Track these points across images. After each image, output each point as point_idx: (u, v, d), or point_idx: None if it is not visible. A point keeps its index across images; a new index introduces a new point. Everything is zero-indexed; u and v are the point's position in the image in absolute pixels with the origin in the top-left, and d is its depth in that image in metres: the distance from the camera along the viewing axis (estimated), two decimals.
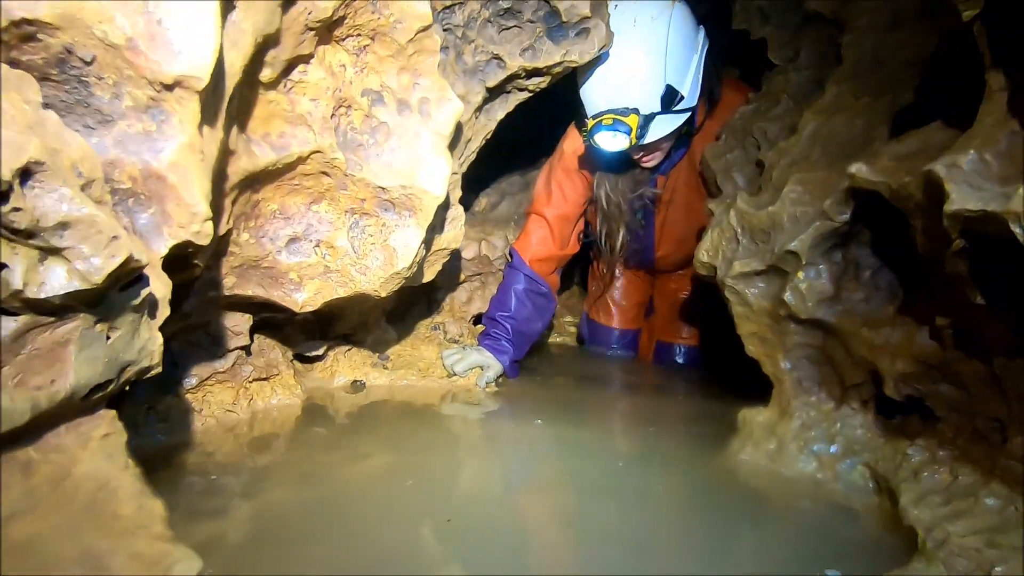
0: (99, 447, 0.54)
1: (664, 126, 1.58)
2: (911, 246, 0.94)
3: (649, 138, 1.57)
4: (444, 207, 1.45)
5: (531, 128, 2.09)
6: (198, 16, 0.64)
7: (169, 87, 0.65)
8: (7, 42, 0.55)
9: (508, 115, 1.62)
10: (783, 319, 1.20)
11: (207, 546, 0.86)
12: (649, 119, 1.54)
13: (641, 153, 1.67)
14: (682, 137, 1.71)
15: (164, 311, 0.65)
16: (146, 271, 0.65)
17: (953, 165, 0.69)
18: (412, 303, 2.17)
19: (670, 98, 1.54)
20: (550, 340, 2.49)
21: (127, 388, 0.61)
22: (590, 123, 1.55)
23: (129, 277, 0.54)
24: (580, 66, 1.52)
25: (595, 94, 1.56)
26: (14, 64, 0.57)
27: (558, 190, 1.78)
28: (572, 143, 1.75)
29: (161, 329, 1.20)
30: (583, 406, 1.76)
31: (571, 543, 0.89)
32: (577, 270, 2.66)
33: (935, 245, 0.79)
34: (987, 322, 0.82)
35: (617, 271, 2.15)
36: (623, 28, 1.50)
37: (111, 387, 0.57)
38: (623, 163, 1.74)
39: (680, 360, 2.13)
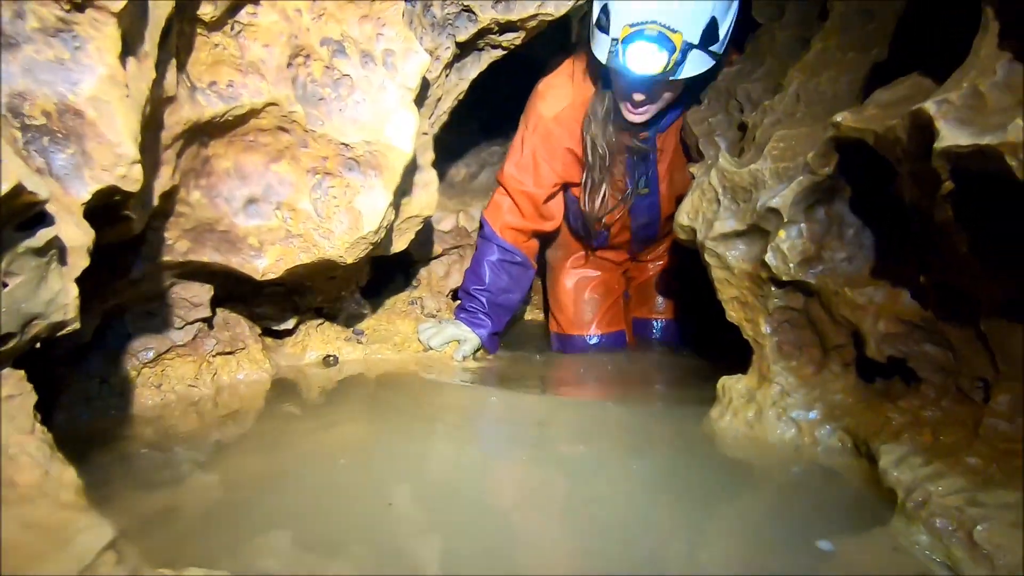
0: (1, 408, 0.48)
1: (695, 65, 1.39)
2: (897, 200, 0.90)
3: (683, 74, 1.38)
4: (413, 168, 1.38)
5: (513, 94, 2.00)
6: None
7: (79, 6, 0.58)
8: None
9: (490, 81, 1.52)
10: (764, 282, 1.15)
11: (158, 518, 0.82)
12: (687, 49, 1.34)
13: (644, 97, 1.48)
14: (681, 95, 1.57)
15: (82, 261, 0.58)
16: (60, 215, 0.58)
17: (944, 101, 0.65)
18: (388, 277, 2.10)
19: (710, 35, 1.36)
20: (528, 317, 2.44)
21: (37, 346, 0.54)
22: (623, 31, 1.31)
23: (25, 214, 0.47)
24: None
25: (629, 3, 1.32)
26: None
27: (530, 164, 1.63)
28: (551, 105, 1.59)
29: (111, 297, 1.14)
30: (560, 379, 1.72)
31: (538, 519, 0.85)
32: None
33: (923, 193, 0.75)
34: (975, 276, 0.78)
35: (585, 270, 1.99)
36: None
37: (13, 342, 0.50)
38: (615, 115, 1.57)
39: (656, 335, 2.08)
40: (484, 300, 1.78)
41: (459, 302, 1.83)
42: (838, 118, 0.89)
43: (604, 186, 1.69)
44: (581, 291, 1.96)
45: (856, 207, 1.03)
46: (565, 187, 1.76)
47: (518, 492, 0.94)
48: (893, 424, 0.95)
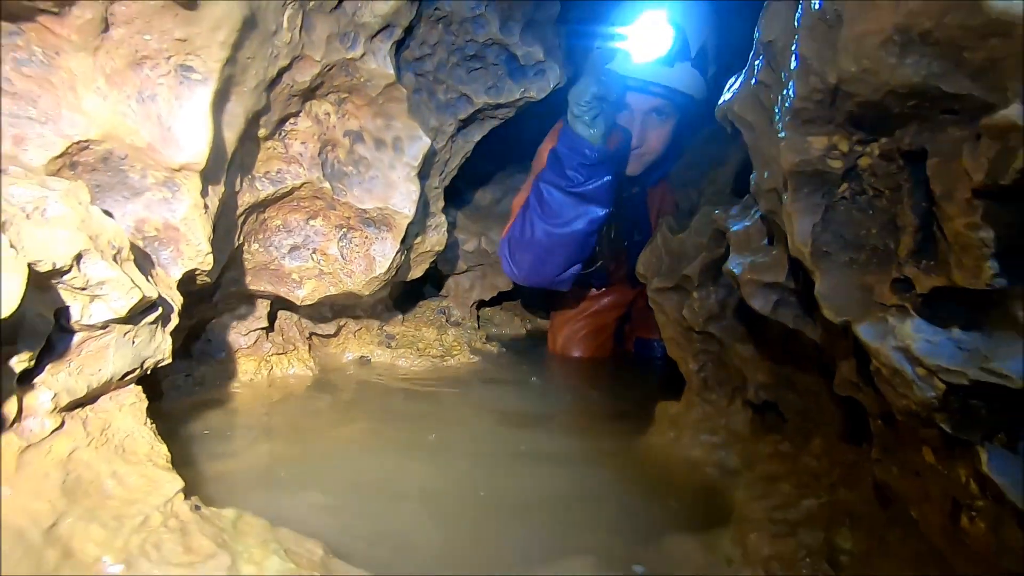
0: (128, 410, 0.87)
1: (687, 81, 1.58)
2: None
3: (675, 80, 1.55)
4: (423, 218, 1.74)
5: (542, 126, 2.22)
6: (195, 125, 0.94)
7: (178, 171, 0.96)
8: (70, 152, 0.87)
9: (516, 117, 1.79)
10: (688, 329, 1.42)
11: (218, 477, 1.22)
12: (688, 52, 1.51)
13: (636, 143, 1.67)
14: (670, 150, 1.78)
15: (175, 320, 0.97)
16: (163, 291, 0.97)
17: (734, 230, 0.91)
18: (420, 288, 2.49)
19: (702, 60, 1.54)
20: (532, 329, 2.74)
21: (148, 372, 0.93)
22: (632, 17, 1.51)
23: (145, 306, 0.86)
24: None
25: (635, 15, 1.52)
26: (74, 165, 0.89)
27: None
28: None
29: (195, 318, 1.57)
30: (551, 389, 2.02)
31: (458, 498, 1.18)
32: None
33: None
34: (802, 346, 1.02)
35: (589, 304, 2.22)
36: None
37: (137, 372, 0.89)
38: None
39: (659, 356, 2.30)
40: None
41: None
42: (713, 214, 1.14)
43: (606, 237, 1.91)
44: (573, 334, 2.23)
45: None
46: None
47: (451, 483, 1.26)
48: (761, 453, 1.20)
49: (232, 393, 1.68)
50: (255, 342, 1.78)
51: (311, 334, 2.01)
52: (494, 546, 1.00)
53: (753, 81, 0.67)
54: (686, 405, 1.47)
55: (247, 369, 1.76)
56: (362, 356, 2.12)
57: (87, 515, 0.70)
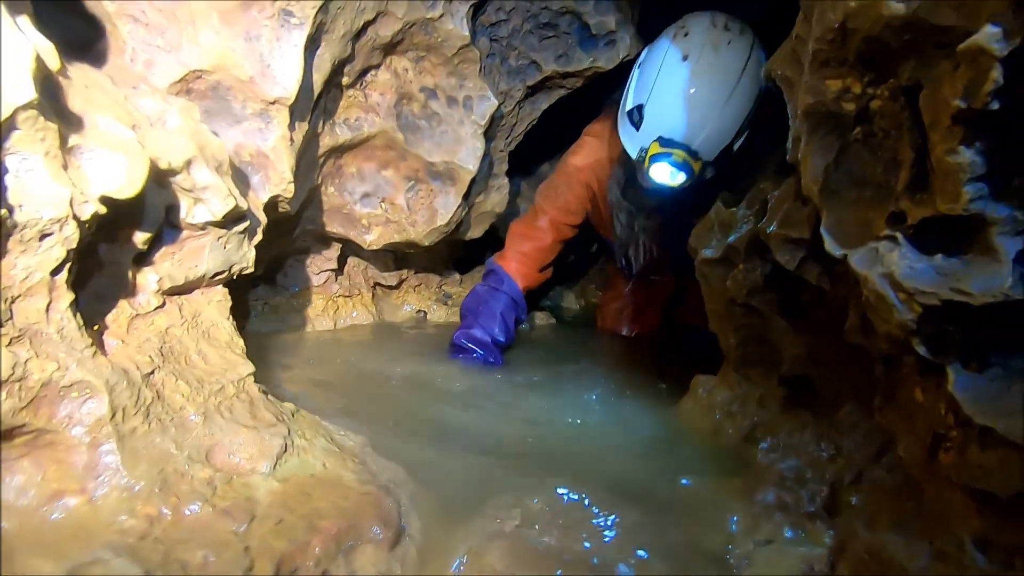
0: (215, 304, 1.02)
1: (709, 173, 1.60)
2: None
3: (697, 181, 1.56)
4: (487, 176, 1.83)
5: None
6: (289, 63, 1.08)
7: (272, 103, 1.10)
8: (187, 79, 1.03)
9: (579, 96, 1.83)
10: (729, 301, 1.44)
11: (286, 380, 1.38)
12: (705, 167, 1.55)
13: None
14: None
15: (259, 236, 1.12)
16: (253, 209, 1.12)
17: (774, 193, 0.93)
18: (481, 253, 2.60)
19: (723, 155, 1.56)
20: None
21: (235, 278, 1.08)
22: (653, 147, 1.51)
23: (237, 215, 1.00)
24: (641, 77, 1.55)
25: (663, 116, 1.50)
26: (190, 91, 1.04)
27: (555, 195, 1.87)
28: (581, 158, 1.80)
29: (275, 250, 1.75)
30: (595, 358, 2.07)
31: (489, 427, 1.28)
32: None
33: None
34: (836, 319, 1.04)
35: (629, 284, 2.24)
36: (705, 59, 1.46)
37: (225, 274, 1.05)
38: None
39: (709, 341, 2.30)
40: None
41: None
42: (764, 184, 1.16)
43: (637, 239, 1.89)
44: (619, 311, 2.29)
45: None
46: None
47: (492, 417, 1.36)
48: (788, 423, 1.21)
49: (302, 323, 1.86)
50: (325, 282, 1.94)
51: (375, 284, 2.16)
52: (512, 462, 1.09)
53: (793, 36, 0.70)
54: (722, 378, 1.50)
55: (316, 305, 1.93)
56: (420, 310, 2.25)
57: (176, 373, 0.85)
